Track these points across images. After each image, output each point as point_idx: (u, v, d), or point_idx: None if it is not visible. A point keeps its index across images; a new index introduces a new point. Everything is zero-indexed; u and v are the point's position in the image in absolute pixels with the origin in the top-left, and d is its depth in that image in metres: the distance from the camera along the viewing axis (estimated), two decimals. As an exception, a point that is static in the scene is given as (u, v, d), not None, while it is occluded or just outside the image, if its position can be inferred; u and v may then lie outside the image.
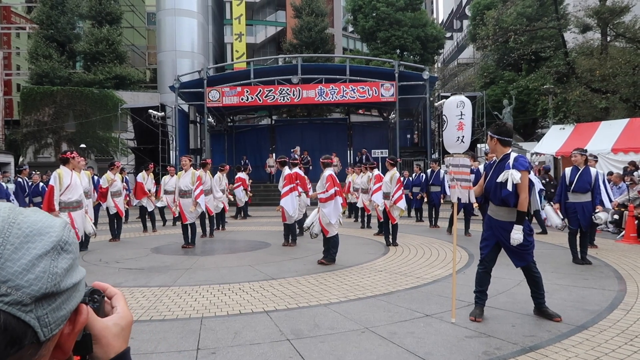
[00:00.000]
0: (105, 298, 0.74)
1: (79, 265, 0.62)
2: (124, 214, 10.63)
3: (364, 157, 20.45)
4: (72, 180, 7.24)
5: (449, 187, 4.66)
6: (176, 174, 9.92)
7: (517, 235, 4.14)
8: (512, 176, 4.14)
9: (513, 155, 4.34)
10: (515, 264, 4.41)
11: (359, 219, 12.84)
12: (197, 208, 9.04)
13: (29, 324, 0.53)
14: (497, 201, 4.34)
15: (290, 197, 8.62)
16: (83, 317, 0.63)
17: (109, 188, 10.09)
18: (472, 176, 6.62)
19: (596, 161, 8.60)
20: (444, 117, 4.69)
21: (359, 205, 12.12)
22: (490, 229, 4.43)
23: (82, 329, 0.64)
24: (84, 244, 8.69)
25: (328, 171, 7.34)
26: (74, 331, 0.61)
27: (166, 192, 11.46)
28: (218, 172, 11.80)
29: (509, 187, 4.15)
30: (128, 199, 11.56)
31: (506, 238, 4.26)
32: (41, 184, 11.77)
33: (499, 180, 4.24)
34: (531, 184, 4.28)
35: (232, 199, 13.32)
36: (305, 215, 9.69)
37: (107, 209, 10.14)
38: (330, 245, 7.11)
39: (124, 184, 10.97)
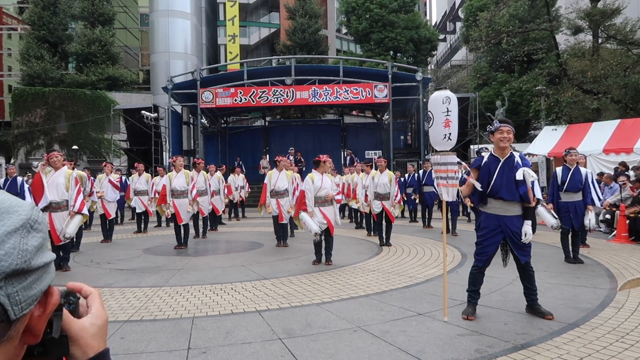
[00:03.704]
0: (81, 298, 0.73)
1: (48, 249, 0.61)
2: (114, 216, 10.58)
3: (348, 158, 20.46)
4: (50, 181, 6.74)
5: (436, 185, 4.64)
6: (166, 174, 9.88)
7: (530, 230, 4.27)
8: (528, 174, 4.24)
9: (516, 153, 4.41)
10: (521, 260, 4.37)
11: (353, 219, 12.84)
12: (193, 207, 9.02)
13: None
14: (509, 197, 4.32)
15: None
16: (54, 299, 0.61)
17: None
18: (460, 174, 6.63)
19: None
20: (429, 113, 4.56)
21: (353, 206, 12.10)
22: (497, 227, 4.37)
23: (57, 320, 0.63)
24: (76, 245, 8.62)
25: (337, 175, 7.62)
26: (44, 314, 0.60)
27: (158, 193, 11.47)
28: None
29: (528, 184, 4.26)
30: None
31: (515, 233, 4.31)
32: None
33: (518, 178, 4.25)
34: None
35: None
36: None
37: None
38: (331, 245, 7.22)
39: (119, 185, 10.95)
